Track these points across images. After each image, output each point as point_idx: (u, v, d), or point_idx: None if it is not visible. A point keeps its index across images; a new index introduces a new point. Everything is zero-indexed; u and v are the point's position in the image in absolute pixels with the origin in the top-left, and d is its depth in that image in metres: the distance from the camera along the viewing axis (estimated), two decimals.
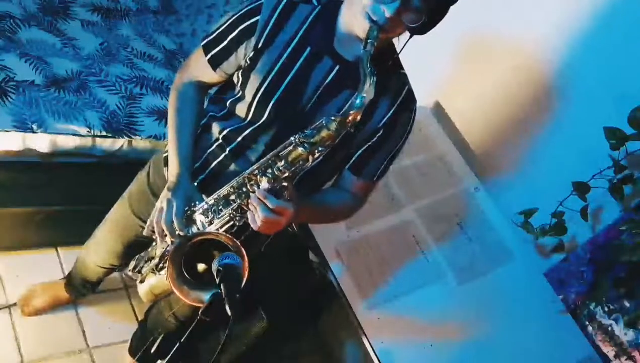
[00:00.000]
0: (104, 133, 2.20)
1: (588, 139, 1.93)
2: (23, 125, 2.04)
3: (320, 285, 2.12)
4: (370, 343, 1.89)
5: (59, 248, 2.33)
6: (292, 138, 1.23)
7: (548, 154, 2.15)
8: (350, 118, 1.19)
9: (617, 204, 1.90)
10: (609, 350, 2.00)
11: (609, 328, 2.00)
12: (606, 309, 2.01)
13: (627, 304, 1.96)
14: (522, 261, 2.18)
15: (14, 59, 2.24)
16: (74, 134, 2.14)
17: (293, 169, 1.23)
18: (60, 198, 2.24)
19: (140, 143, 2.30)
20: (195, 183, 1.43)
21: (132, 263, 1.59)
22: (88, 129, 2.17)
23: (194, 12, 3.06)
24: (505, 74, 2.25)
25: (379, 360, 1.86)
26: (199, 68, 1.42)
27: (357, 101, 1.18)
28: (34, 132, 2.05)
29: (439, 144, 2.39)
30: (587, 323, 2.05)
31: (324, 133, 1.21)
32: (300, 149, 1.21)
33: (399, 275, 2.03)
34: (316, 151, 1.22)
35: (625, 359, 1.97)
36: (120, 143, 2.26)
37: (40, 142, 2.09)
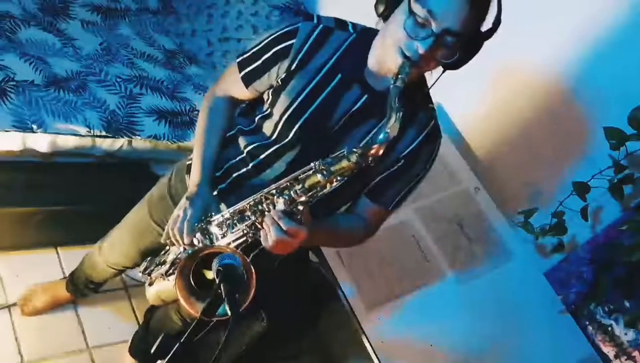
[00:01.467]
0: (103, 133, 2.20)
1: (588, 139, 1.94)
2: (23, 125, 2.04)
3: (320, 285, 2.12)
4: (370, 343, 1.89)
5: (59, 248, 2.33)
6: (312, 164, 1.23)
7: (548, 153, 2.14)
8: (372, 151, 1.19)
9: (617, 204, 1.90)
10: (609, 350, 2.00)
11: (609, 328, 2.00)
12: (606, 309, 2.01)
13: (627, 304, 1.96)
14: (522, 261, 2.18)
15: (14, 59, 2.24)
16: (73, 134, 2.14)
17: (310, 194, 1.23)
18: (60, 198, 2.24)
19: (140, 143, 2.30)
20: (215, 192, 1.44)
21: (144, 265, 1.60)
22: (88, 129, 2.16)
23: (194, 12, 3.06)
24: (506, 75, 2.25)
25: (379, 360, 1.86)
26: (232, 83, 1.44)
27: (381, 136, 1.18)
28: (34, 132, 2.05)
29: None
30: (587, 323, 2.05)
31: (344, 163, 1.21)
32: (319, 176, 1.22)
33: (399, 275, 2.03)
34: (335, 180, 1.22)
35: (625, 359, 1.97)
36: (120, 143, 2.26)
37: (40, 142, 2.09)
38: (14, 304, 2.10)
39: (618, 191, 1.83)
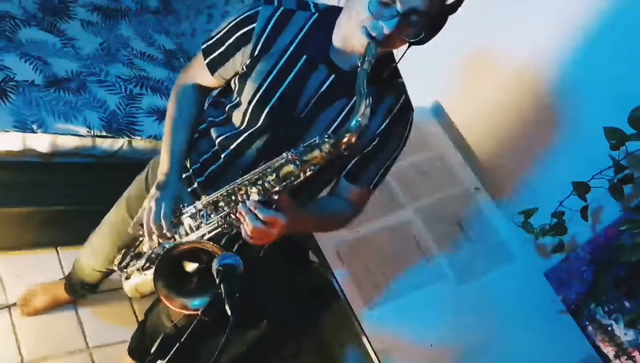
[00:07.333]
0: (103, 133, 2.20)
1: (588, 139, 1.93)
2: (23, 125, 2.04)
3: (320, 285, 2.12)
4: (370, 343, 1.89)
5: (59, 248, 2.33)
6: (284, 154, 1.22)
7: (548, 153, 2.14)
8: (345, 140, 1.18)
9: (617, 204, 1.89)
10: (609, 350, 2.00)
11: (609, 328, 2.00)
12: (606, 309, 2.01)
13: (627, 304, 1.96)
14: (522, 261, 2.18)
15: (14, 59, 2.25)
16: (73, 134, 2.14)
17: (284, 183, 1.22)
18: (60, 198, 2.24)
19: (140, 143, 2.30)
20: (195, 185, 1.43)
21: (118, 258, 1.59)
22: (88, 129, 2.17)
23: (194, 12, 3.06)
24: (506, 74, 2.25)
25: (379, 360, 1.86)
26: (198, 71, 1.43)
27: (352, 124, 1.16)
28: (34, 132, 2.05)
29: (439, 144, 2.39)
30: (587, 323, 2.05)
31: (316, 153, 1.20)
32: (291, 166, 1.21)
33: (399, 275, 2.03)
34: (308, 169, 1.21)
35: (625, 359, 1.97)
36: (120, 143, 2.26)
37: (40, 142, 2.09)
38: (14, 304, 2.10)
39: (618, 191, 1.83)
